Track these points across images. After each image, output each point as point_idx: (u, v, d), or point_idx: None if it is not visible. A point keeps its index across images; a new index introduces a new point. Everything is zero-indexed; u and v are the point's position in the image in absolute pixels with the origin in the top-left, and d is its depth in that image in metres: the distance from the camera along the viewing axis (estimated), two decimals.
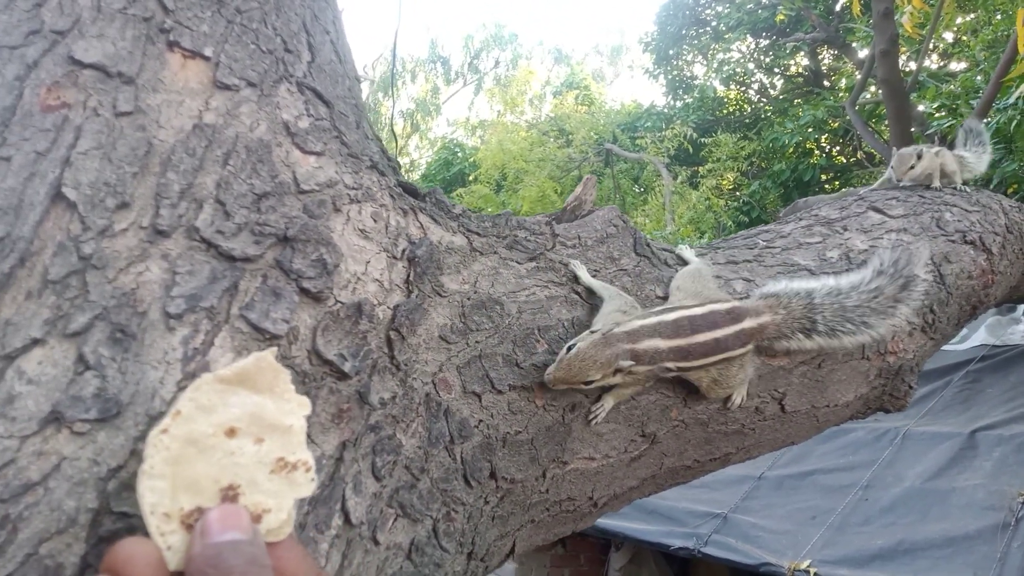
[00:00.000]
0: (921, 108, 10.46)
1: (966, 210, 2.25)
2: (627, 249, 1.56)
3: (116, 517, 0.81)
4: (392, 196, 1.31)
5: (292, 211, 1.12)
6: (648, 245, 1.61)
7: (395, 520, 1.08)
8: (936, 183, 2.40)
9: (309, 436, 1.00)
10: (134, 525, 0.81)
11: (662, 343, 1.36)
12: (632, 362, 1.32)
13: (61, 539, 0.79)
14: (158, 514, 0.77)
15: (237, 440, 0.83)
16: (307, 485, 0.86)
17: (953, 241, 2.07)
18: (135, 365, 0.90)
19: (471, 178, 18.16)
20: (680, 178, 15.01)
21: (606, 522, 6.69)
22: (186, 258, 1.00)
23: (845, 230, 1.96)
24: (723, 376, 1.46)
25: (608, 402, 1.39)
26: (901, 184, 2.40)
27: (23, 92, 1.08)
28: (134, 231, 1.00)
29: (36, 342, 0.89)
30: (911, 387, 1.92)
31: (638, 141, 16.06)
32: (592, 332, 1.31)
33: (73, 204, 0.99)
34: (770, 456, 6.85)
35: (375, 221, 1.23)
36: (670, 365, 1.38)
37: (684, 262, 1.65)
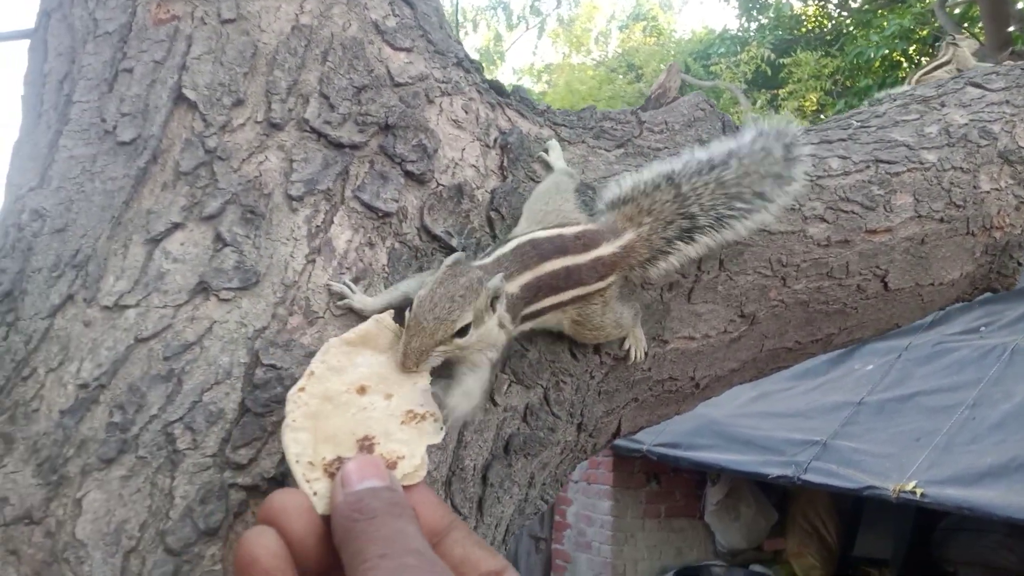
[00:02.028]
0: (1020, 5, 9.69)
1: None
2: (716, 132, 1.55)
3: (267, 368, 0.90)
4: (479, 91, 1.34)
5: (390, 102, 1.17)
6: (737, 127, 1.59)
7: (509, 385, 1.14)
8: None
9: None
10: (282, 376, 0.89)
11: (513, 284, 1.04)
12: (513, 292, 1.03)
13: (220, 388, 0.88)
14: (303, 463, 0.81)
15: (368, 396, 0.88)
16: (436, 433, 0.90)
17: None
18: (267, 241, 0.98)
19: None
20: (759, 103, 14.48)
21: (701, 455, 6.72)
22: (300, 147, 1.07)
23: (943, 106, 1.88)
24: (585, 316, 1.17)
25: (464, 377, 0.99)
26: None
27: (136, 10, 1.16)
28: (251, 125, 1.07)
29: (177, 226, 0.98)
30: (1020, 264, 1.85)
31: (712, 68, 15.53)
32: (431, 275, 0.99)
33: (194, 104, 1.07)
34: (868, 381, 6.68)
35: (466, 112, 1.27)
36: (522, 315, 1.07)
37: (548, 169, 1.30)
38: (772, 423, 6.67)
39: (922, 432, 5.89)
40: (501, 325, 1.00)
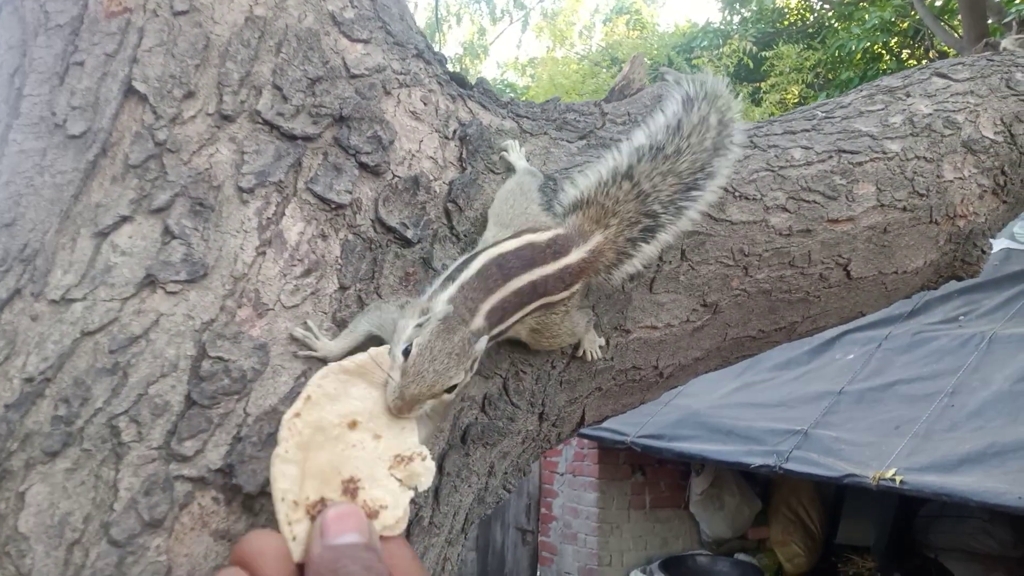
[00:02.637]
0: None
1: None
2: None
3: (213, 360, 0.90)
4: (440, 83, 1.34)
5: (345, 93, 1.16)
6: (740, 116, 1.59)
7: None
8: None
9: (379, 295, 1.06)
10: (229, 368, 0.89)
11: (479, 317, 1.02)
12: (479, 326, 1.00)
13: (166, 381, 0.88)
14: (288, 501, 0.80)
15: (358, 433, 0.88)
16: (427, 474, 0.89)
17: None
18: (216, 233, 0.98)
19: None
20: (742, 96, 14.51)
21: (684, 446, 6.75)
22: (252, 139, 1.07)
23: (908, 96, 1.89)
24: (544, 325, 1.16)
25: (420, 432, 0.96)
26: None
27: (87, 2, 1.15)
28: (202, 117, 1.06)
29: (125, 219, 0.97)
30: (984, 252, 1.87)
31: (695, 62, 15.56)
32: (421, 322, 0.96)
33: (144, 97, 1.06)
34: (849, 370, 6.73)
35: (425, 104, 1.27)
36: (491, 336, 1.04)
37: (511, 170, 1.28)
38: (754, 413, 6.71)
39: (901, 420, 5.96)
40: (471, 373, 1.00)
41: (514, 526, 9.01)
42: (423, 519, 1.03)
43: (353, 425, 0.88)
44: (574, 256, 1.14)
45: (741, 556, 7.92)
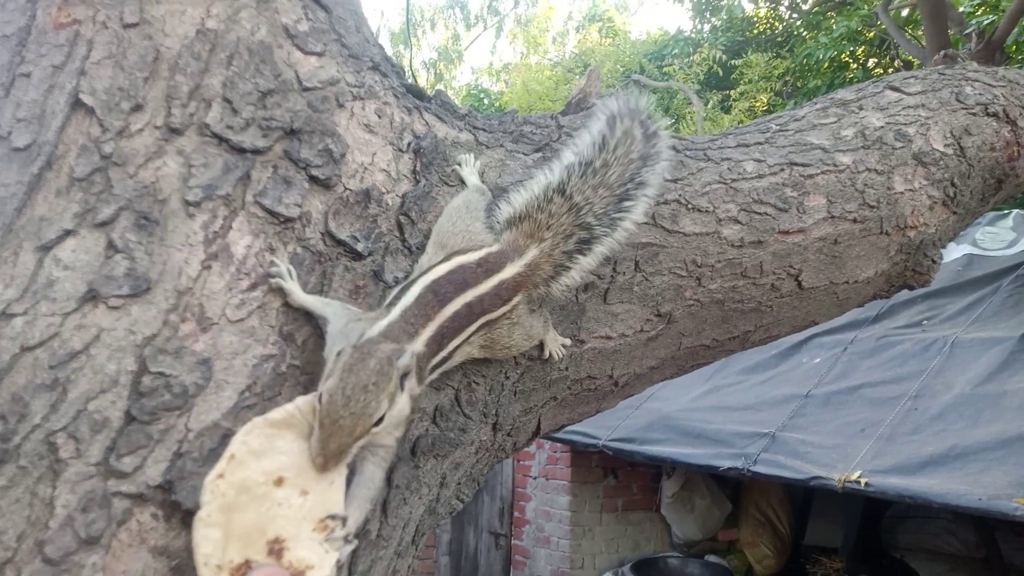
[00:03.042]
0: (961, 9, 9.98)
1: (989, 84, 2.19)
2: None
3: (154, 376, 0.89)
4: (396, 96, 1.35)
5: (296, 106, 1.17)
6: (666, 128, 1.62)
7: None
8: None
9: None
10: (171, 383, 0.89)
11: (419, 343, 1.02)
12: (419, 352, 0.99)
13: (106, 397, 0.88)
14: (211, 566, 0.81)
15: (284, 490, 0.87)
16: (346, 546, 0.90)
17: (974, 114, 2.03)
18: (161, 247, 0.98)
19: None
20: (711, 103, 14.69)
21: (655, 449, 6.79)
22: (200, 152, 1.07)
23: (861, 109, 1.94)
24: (492, 340, 1.17)
25: (371, 479, 0.98)
26: None
27: (36, 13, 1.14)
28: (149, 130, 1.06)
29: (68, 233, 0.97)
30: (935, 262, 1.92)
31: (666, 69, 15.70)
32: (337, 359, 0.94)
33: (91, 109, 1.05)
34: (815, 374, 6.83)
35: (379, 117, 1.28)
36: (432, 364, 1.06)
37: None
38: (723, 416, 6.77)
39: (867, 423, 6.05)
40: (411, 395, 0.99)
41: (487, 530, 9.00)
42: (370, 532, 1.04)
43: (280, 482, 0.87)
44: (509, 271, 1.16)
45: (712, 558, 7.98)
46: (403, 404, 0.96)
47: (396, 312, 1.01)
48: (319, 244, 1.10)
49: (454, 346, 1.08)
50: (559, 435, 7.20)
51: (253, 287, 1.01)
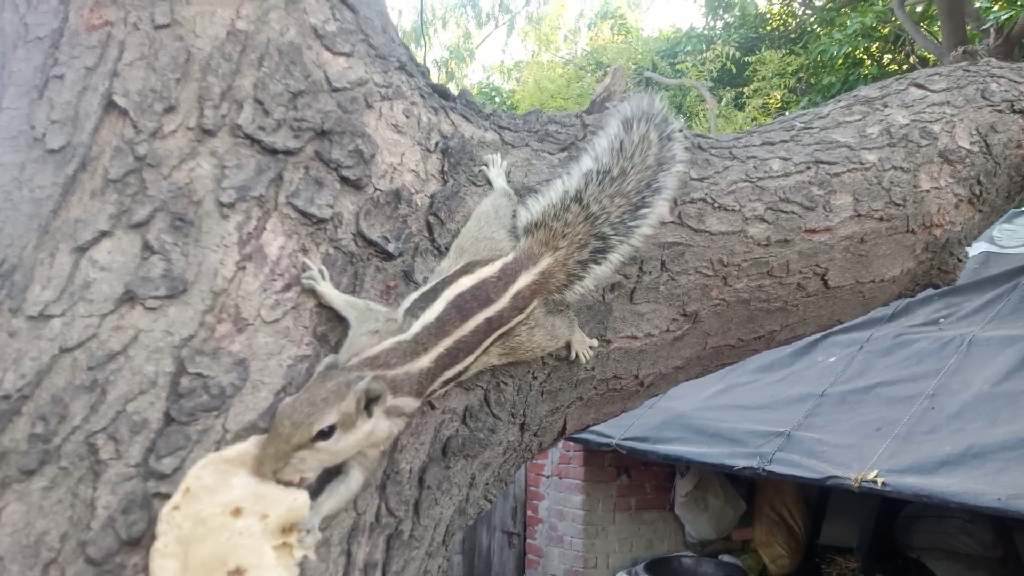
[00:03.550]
0: (977, 4, 9.88)
1: (1015, 81, 2.17)
2: None
3: (192, 377, 0.90)
4: (423, 95, 1.35)
5: (327, 107, 1.17)
6: (681, 130, 1.61)
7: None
8: None
9: None
10: (208, 384, 0.90)
11: (426, 360, 1.04)
12: (378, 385, 0.96)
13: (144, 398, 0.88)
14: None
15: (244, 520, 0.87)
16: (311, 536, 0.89)
17: (1000, 111, 2.01)
18: (196, 249, 0.98)
19: None
20: (724, 101, 14.61)
21: (669, 448, 6.78)
22: (232, 153, 1.07)
23: (886, 106, 1.92)
24: (512, 348, 1.18)
25: (353, 481, 0.99)
26: None
27: (68, 15, 1.15)
28: (182, 132, 1.06)
29: (104, 234, 0.97)
30: (960, 260, 1.90)
31: (678, 67, 15.63)
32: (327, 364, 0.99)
33: (124, 111, 1.06)
34: (831, 373, 6.79)
35: (407, 117, 1.28)
36: (444, 379, 1.07)
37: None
38: (738, 415, 6.74)
39: (883, 422, 6.00)
40: (401, 413, 1.00)
41: (500, 529, 9.01)
42: (403, 533, 1.04)
43: (237, 512, 0.87)
44: (523, 280, 1.16)
45: (725, 557, 7.95)
46: (370, 429, 0.96)
47: (412, 331, 1.03)
48: (351, 245, 1.10)
49: (469, 361, 1.10)
50: (573, 434, 7.19)
51: (287, 288, 1.01)
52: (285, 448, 0.88)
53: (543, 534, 8.57)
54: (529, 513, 8.76)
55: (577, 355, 1.31)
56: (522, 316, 1.16)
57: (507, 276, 1.15)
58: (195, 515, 0.84)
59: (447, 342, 1.05)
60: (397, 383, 0.99)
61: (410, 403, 1.01)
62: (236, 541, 0.85)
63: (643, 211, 1.28)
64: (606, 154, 1.28)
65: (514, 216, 1.25)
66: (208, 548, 0.83)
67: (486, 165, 1.30)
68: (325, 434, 0.90)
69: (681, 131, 1.36)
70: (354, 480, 0.97)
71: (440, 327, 1.05)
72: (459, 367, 1.08)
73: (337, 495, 0.96)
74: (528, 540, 8.74)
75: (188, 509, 0.84)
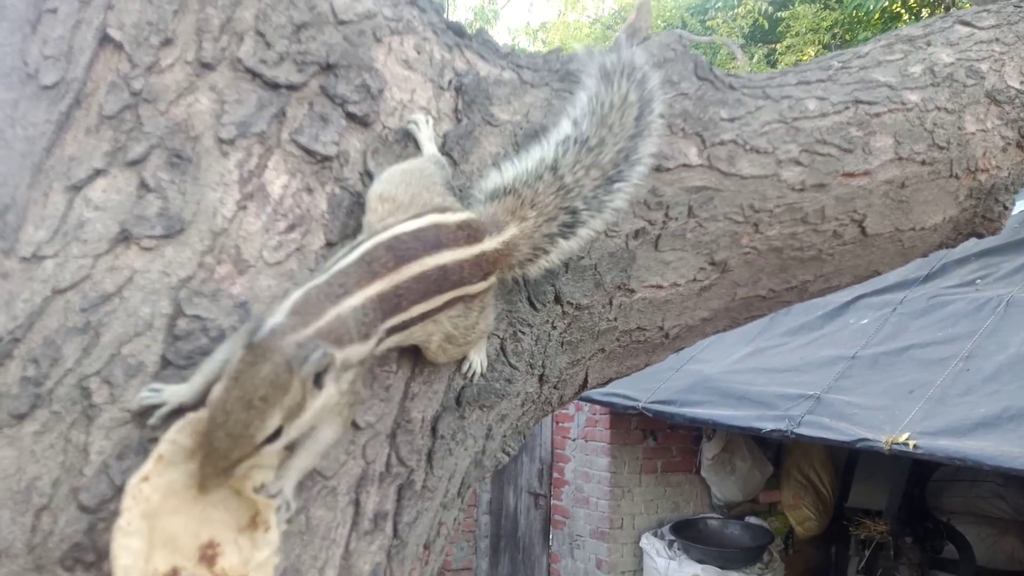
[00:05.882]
0: None
1: None
2: (687, 73, 1.48)
3: (190, 319, 0.86)
4: (435, 32, 1.28)
5: (332, 40, 1.10)
6: (711, 69, 1.52)
7: None
8: None
9: None
10: (207, 327, 0.85)
11: (355, 300, 0.86)
12: (325, 355, 0.80)
13: (140, 341, 0.84)
14: None
15: (220, 490, 0.80)
16: (275, 538, 0.82)
17: None
18: (194, 187, 0.93)
19: None
20: (756, 58, 14.24)
21: (696, 411, 6.73)
22: (232, 88, 1.01)
23: (929, 45, 1.81)
24: (460, 329, 1.01)
25: (321, 434, 0.86)
26: None
27: None
28: (180, 65, 1.01)
29: (99, 172, 0.93)
30: (1006, 208, 1.80)
31: (709, 23, 15.24)
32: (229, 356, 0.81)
33: (120, 45, 1.01)
34: (863, 335, 6.66)
35: (418, 53, 1.21)
36: (384, 329, 0.90)
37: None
38: (766, 378, 6.66)
39: (916, 384, 5.89)
40: (348, 367, 0.85)
41: (527, 490, 9.09)
42: (415, 483, 1.00)
43: None
44: (489, 244, 1.03)
45: (752, 519, 7.94)
46: (321, 403, 0.82)
47: (310, 285, 0.86)
48: (358, 185, 1.04)
49: (418, 312, 0.94)
50: (599, 397, 7.17)
51: (291, 228, 0.97)
52: (223, 464, 0.75)
53: (569, 495, 8.62)
54: (555, 475, 8.81)
55: (469, 365, 1.11)
56: (485, 286, 1.03)
57: (471, 231, 1.01)
58: (167, 486, 0.78)
59: (379, 285, 0.89)
60: (337, 334, 0.83)
61: (359, 350, 0.85)
62: (211, 513, 0.79)
63: (617, 184, 1.16)
64: (585, 119, 1.16)
65: (447, 187, 1.10)
66: (181, 520, 0.78)
67: (414, 124, 1.12)
68: (271, 438, 0.77)
69: (661, 87, 1.23)
70: (323, 433, 0.85)
71: (365, 268, 0.89)
72: (403, 316, 0.92)
73: (305, 451, 0.84)
74: (554, 501, 8.80)
75: (159, 479, 0.77)
